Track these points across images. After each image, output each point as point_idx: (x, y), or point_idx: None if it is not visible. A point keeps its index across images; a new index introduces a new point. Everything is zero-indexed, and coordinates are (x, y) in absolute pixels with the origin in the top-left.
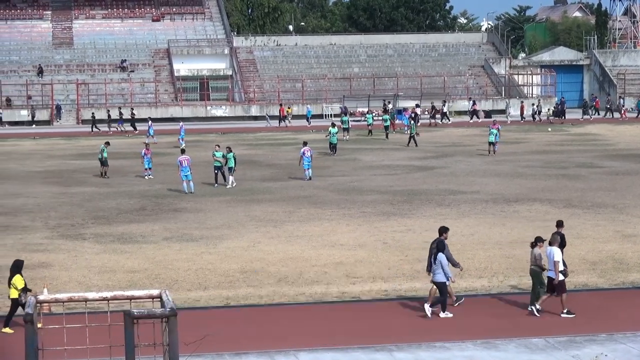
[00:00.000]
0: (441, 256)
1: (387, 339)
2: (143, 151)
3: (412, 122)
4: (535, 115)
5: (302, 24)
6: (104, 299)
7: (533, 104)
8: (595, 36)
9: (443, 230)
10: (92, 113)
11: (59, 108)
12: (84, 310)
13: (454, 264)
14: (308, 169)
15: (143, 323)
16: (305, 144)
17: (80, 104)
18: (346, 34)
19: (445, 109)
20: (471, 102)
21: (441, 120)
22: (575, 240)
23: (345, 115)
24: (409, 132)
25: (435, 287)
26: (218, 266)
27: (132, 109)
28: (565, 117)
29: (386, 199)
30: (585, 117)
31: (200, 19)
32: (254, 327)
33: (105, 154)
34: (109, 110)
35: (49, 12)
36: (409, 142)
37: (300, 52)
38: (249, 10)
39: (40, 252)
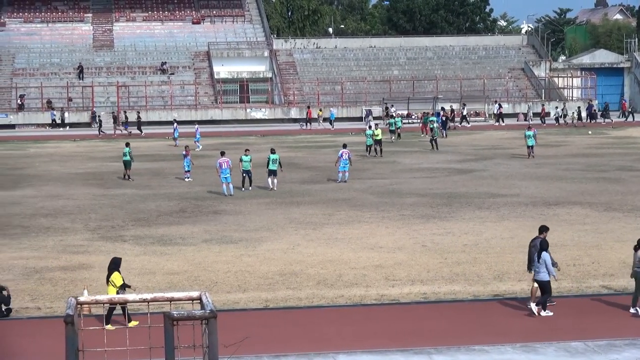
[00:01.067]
0: (545, 255)
1: (426, 342)
2: (183, 153)
3: (435, 125)
4: (560, 119)
5: (342, 26)
6: (144, 300)
7: (557, 107)
8: (636, 38)
9: (543, 229)
10: (99, 116)
11: (94, 116)
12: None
13: (553, 263)
14: (344, 171)
15: (183, 325)
16: (344, 146)
17: (120, 106)
18: (386, 36)
19: (464, 112)
20: (497, 105)
21: (460, 123)
22: (615, 244)
23: (393, 117)
24: (440, 134)
25: (536, 285)
26: (257, 268)
27: (139, 112)
28: (594, 121)
29: (425, 201)
30: (607, 120)
31: (240, 21)
32: (293, 329)
33: (124, 157)
34: (114, 112)
35: (90, 15)
36: (432, 145)
37: (340, 55)
38: (289, 13)
39: (81, 254)
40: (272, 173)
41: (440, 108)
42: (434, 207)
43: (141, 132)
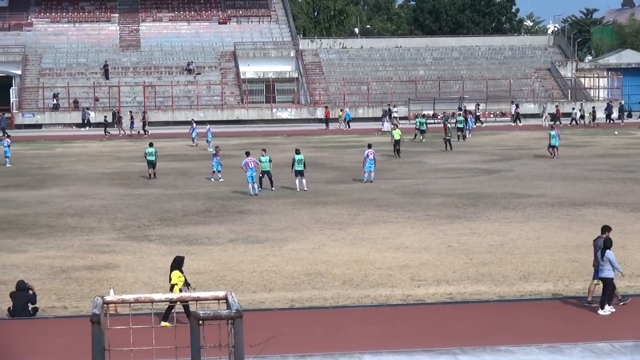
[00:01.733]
0: (609, 253)
1: (452, 342)
2: (213, 152)
3: (449, 125)
4: (578, 120)
5: (368, 26)
6: (171, 300)
7: (573, 108)
8: None
9: (606, 229)
10: (105, 116)
11: (114, 116)
12: (150, 311)
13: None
14: (369, 171)
15: (209, 324)
16: (369, 146)
17: (146, 106)
18: (412, 36)
19: (478, 112)
20: (514, 105)
21: (474, 124)
22: None
23: (423, 117)
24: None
25: (595, 283)
26: (283, 268)
27: (145, 112)
28: (612, 122)
29: (451, 202)
30: (617, 121)
31: (267, 21)
32: (319, 329)
33: (150, 157)
34: (119, 113)
35: (117, 15)
36: (446, 146)
37: (366, 55)
38: (315, 13)
39: (107, 253)
40: (299, 173)
41: (457, 108)
42: (459, 207)
43: (146, 132)
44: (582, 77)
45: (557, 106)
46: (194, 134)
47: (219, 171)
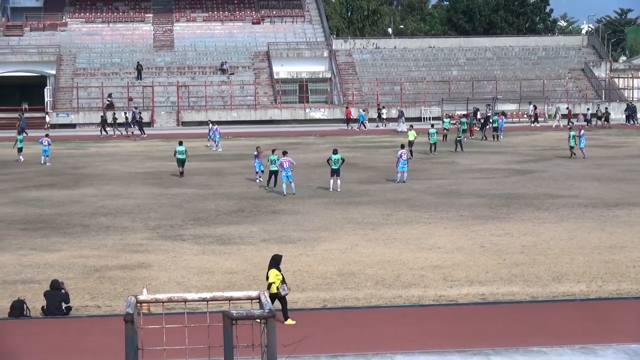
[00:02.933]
0: None
1: (484, 343)
2: (255, 153)
3: (460, 126)
4: (593, 121)
5: (401, 26)
6: (203, 299)
7: (588, 109)
8: None
9: None
10: (102, 115)
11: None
12: (183, 311)
13: None
14: (402, 171)
15: (242, 324)
16: (402, 146)
17: (180, 106)
18: (445, 36)
19: (489, 113)
20: (532, 106)
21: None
22: None
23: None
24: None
25: None
26: (316, 268)
27: (140, 112)
28: (636, 122)
29: (484, 202)
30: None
31: (300, 21)
32: (351, 329)
33: (180, 155)
34: (114, 114)
35: (151, 15)
36: (456, 147)
37: (399, 55)
38: (349, 13)
39: (140, 253)
40: (335, 173)
41: (473, 108)
42: (492, 207)
43: (143, 132)
44: (616, 77)
45: (567, 108)
46: (211, 134)
47: (261, 171)
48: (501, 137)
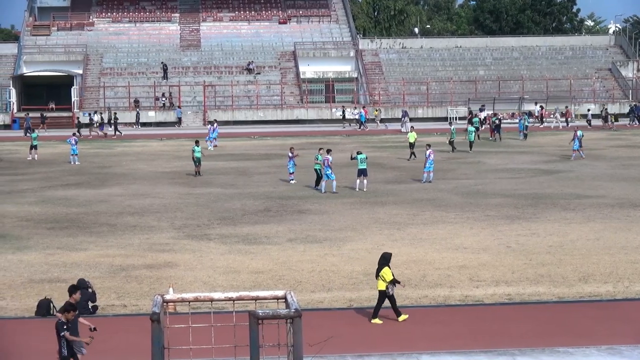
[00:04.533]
0: None
1: (510, 343)
2: (289, 154)
3: (453, 127)
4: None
5: (428, 26)
6: (230, 299)
7: (588, 110)
8: None
9: None
10: (91, 115)
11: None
12: (209, 310)
13: None
14: (429, 171)
15: (267, 324)
16: (429, 146)
17: (206, 106)
18: (472, 36)
19: (482, 115)
20: (538, 106)
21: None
22: None
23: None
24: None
25: None
26: (342, 268)
27: (115, 112)
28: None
29: (510, 202)
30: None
31: (327, 21)
32: (377, 329)
33: (197, 154)
34: (90, 114)
35: (177, 15)
36: (452, 148)
37: (426, 55)
38: (375, 13)
39: (166, 252)
40: (362, 173)
41: (477, 109)
42: (519, 208)
43: (117, 133)
44: None
45: (566, 107)
46: (214, 135)
47: (293, 172)
48: (523, 137)
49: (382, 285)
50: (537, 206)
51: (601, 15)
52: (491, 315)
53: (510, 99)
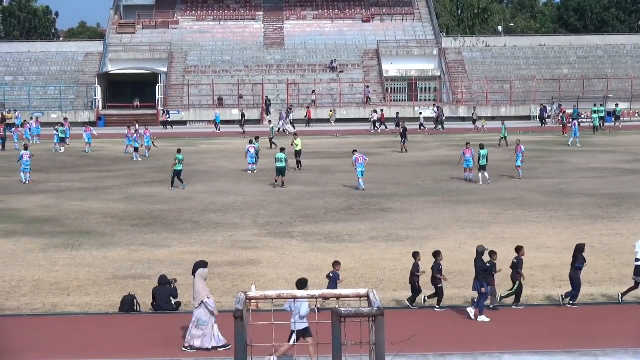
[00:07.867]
0: None
1: (593, 343)
2: (354, 157)
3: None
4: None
5: (512, 24)
6: (312, 297)
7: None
8: None
9: None
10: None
11: (268, 104)
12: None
13: None
14: (519, 166)
15: (350, 322)
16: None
17: (290, 104)
18: (556, 35)
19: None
20: (555, 105)
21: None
22: None
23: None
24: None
25: None
26: (424, 267)
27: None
28: None
29: (594, 202)
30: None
31: (410, 19)
32: (459, 328)
33: (280, 164)
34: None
35: (261, 13)
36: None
37: (509, 53)
38: (459, 11)
39: (249, 250)
40: (482, 168)
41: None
42: (602, 207)
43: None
44: None
45: (561, 106)
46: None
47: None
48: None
49: None
50: (621, 206)
51: None
52: (574, 316)
53: (595, 98)
